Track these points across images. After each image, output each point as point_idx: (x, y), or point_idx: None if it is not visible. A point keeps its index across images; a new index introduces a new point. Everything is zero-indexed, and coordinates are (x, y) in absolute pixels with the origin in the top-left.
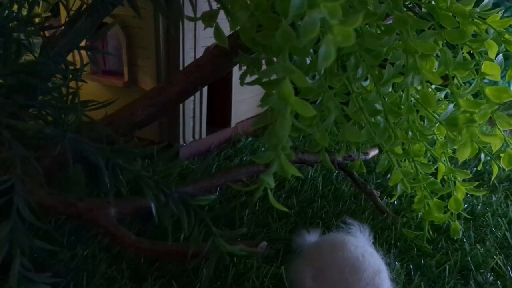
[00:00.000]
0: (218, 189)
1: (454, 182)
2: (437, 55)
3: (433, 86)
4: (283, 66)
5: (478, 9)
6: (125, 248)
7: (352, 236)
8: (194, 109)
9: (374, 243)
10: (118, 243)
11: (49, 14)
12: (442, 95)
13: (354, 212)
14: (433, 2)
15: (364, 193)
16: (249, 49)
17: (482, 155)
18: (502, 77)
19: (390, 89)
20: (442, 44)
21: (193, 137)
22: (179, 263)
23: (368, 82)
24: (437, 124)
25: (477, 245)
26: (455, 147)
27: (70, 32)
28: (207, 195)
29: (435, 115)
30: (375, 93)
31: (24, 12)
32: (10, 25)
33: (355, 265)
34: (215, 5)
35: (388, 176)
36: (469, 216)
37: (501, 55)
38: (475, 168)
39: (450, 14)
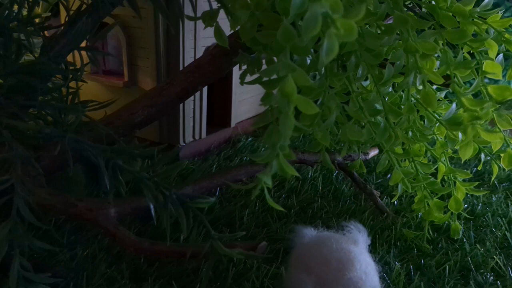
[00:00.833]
0: (218, 189)
1: (454, 182)
2: (437, 55)
3: (433, 86)
4: (285, 64)
5: (478, 9)
6: (125, 248)
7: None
8: (194, 109)
9: (374, 243)
10: (118, 243)
11: (49, 14)
12: (442, 95)
13: (354, 212)
14: (433, 2)
15: (364, 193)
16: (250, 48)
17: (482, 155)
18: (503, 76)
19: (391, 89)
20: (442, 44)
21: (193, 137)
22: (179, 263)
23: (368, 82)
24: (437, 124)
25: (477, 245)
26: (456, 147)
27: (70, 32)
28: (207, 198)
29: (436, 115)
30: (375, 93)
31: (24, 12)
32: (10, 25)
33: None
34: (215, 5)
35: (388, 176)
36: (469, 216)
37: (501, 55)
38: (475, 168)
39: (450, 14)
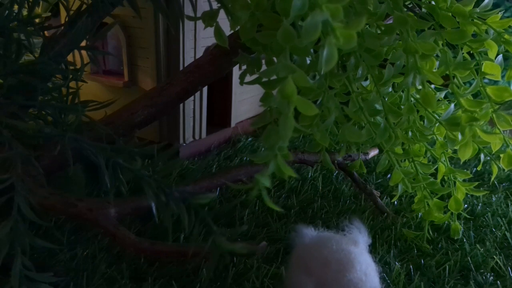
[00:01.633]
0: (218, 189)
1: (454, 182)
2: (436, 55)
3: (433, 86)
4: (285, 65)
5: (478, 10)
6: (125, 248)
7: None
8: (194, 109)
9: (374, 243)
10: (118, 243)
11: (49, 14)
12: (442, 95)
13: (354, 212)
14: (433, 2)
15: (364, 193)
16: (249, 48)
17: (482, 155)
18: (502, 77)
19: (390, 89)
20: (442, 44)
21: (193, 137)
22: (179, 263)
23: (368, 82)
24: (437, 124)
25: (477, 245)
26: (456, 147)
27: (70, 32)
28: (207, 194)
29: (436, 115)
30: (375, 93)
31: (24, 12)
32: (11, 25)
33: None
34: (215, 5)
35: (388, 176)
36: (469, 216)
37: (500, 56)
38: (475, 168)
39: (450, 14)
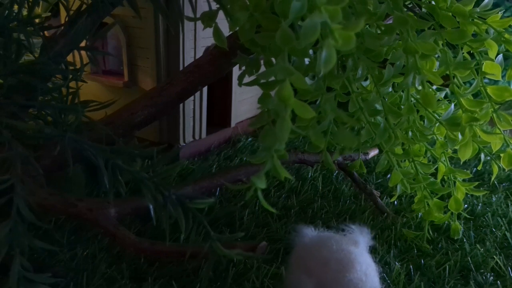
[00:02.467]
0: (218, 189)
1: (454, 182)
2: (437, 55)
3: (433, 86)
4: (283, 68)
5: (478, 9)
6: (125, 248)
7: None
8: (194, 109)
9: (374, 243)
10: (118, 243)
11: (49, 14)
12: (442, 95)
13: (354, 212)
14: (433, 2)
15: (364, 193)
16: (248, 49)
17: (482, 155)
18: (502, 77)
19: (390, 89)
20: (442, 44)
21: (193, 137)
22: (179, 263)
23: (368, 82)
24: (437, 124)
25: (477, 245)
26: (456, 147)
27: (70, 32)
28: (206, 199)
29: (436, 115)
30: (375, 93)
31: (24, 13)
32: (10, 25)
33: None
34: (214, 6)
35: (388, 176)
36: (469, 216)
37: (501, 55)
38: (475, 168)
39: (450, 14)
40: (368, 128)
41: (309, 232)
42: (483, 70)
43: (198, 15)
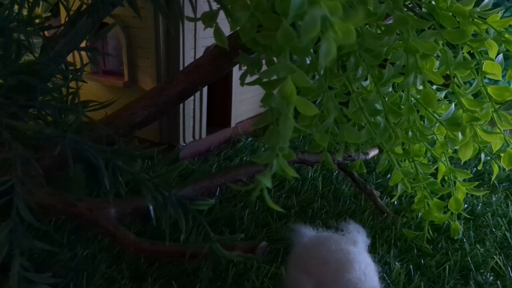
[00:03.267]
0: (218, 189)
1: (454, 182)
2: (437, 55)
3: (433, 86)
4: (285, 65)
5: (478, 9)
6: (125, 248)
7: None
8: (194, 109)
9: (374, 243)
10: (118, 243)
11: (49, 14)
12: (442, 95)
13: (354, 212)
14: (433, 2)
15: (364, 193)
16: (249, 49)
17: (482, 155)
18: (502, 77)
19: (390, 89)
20: (442, 44)
21: (193, 137)
22: (179, 263)
23: (368, 82)
24: (437, 124)
25: (477, 245)
26: (456, 147)
27: (70, 32)
28: (206, 200)
29: (436, 115)
30: (375, 93)
31: (24, 13)
32: (11, 25)
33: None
34: (215, 5)
35: (388, 176)
36: (469, 216)
37: (501, 55)
38: (475, 168)
39: (450, 14)
40: (368, 128)
41: (308, 232)
42: (483, 70)
43: (198, 15)
